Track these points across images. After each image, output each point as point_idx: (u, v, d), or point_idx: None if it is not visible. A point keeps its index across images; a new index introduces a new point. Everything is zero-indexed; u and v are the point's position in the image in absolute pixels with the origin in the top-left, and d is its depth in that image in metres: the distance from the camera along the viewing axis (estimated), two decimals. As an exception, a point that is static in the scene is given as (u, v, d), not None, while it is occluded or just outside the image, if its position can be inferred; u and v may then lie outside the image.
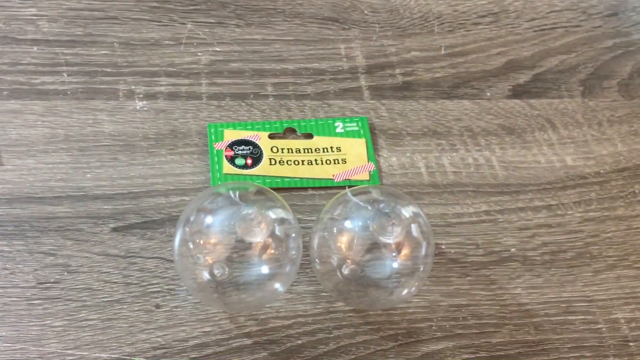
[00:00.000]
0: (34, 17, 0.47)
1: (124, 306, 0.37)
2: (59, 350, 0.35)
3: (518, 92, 0.49)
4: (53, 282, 0.37)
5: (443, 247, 0.41)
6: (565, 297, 0.40)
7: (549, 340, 0.38)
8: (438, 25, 0.52)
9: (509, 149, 0.46)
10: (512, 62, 0.50)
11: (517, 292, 0.40)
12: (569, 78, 0.50)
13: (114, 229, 0.39)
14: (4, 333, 0.35)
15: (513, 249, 0.41)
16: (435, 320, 0.38)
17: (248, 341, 0.37)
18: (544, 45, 0.52)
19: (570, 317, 0.39)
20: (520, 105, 0.48)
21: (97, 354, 0.35)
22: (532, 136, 0.47)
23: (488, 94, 0.48)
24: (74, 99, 0.44)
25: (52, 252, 0.38)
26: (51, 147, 0.42)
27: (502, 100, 0.48)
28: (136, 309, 0.37)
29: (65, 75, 0.45)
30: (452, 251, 0.41)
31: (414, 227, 0.35)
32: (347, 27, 0.51)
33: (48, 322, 0.36)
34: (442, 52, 0.50)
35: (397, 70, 0.49)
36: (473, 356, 0.37)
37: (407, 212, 0.35)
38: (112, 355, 0.35)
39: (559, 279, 0.41)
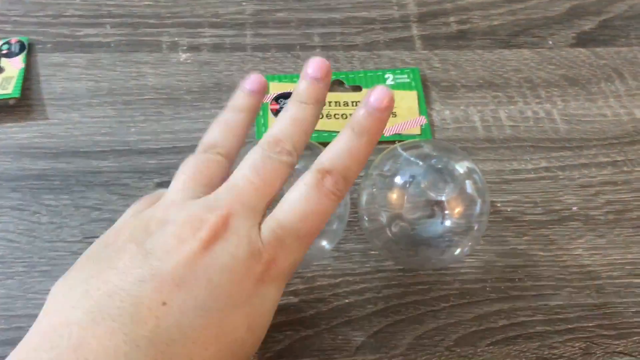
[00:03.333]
0: (77, -32, 0.46)
1: (169, 262, 0.36)
2: (106, 305, 0.35)
3: (583, 40, 0.46)
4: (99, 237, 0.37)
5: (499, 204, 0.39)
6: (631, 259, 0.37)
7: (612, 303, 0.36)
8: (496, -31, 0.48)
9: (571, 101, 0.43)
10: (576, 8, 0.47)
11: (578, 253, 0.38)
12: (639, 25, 0.46)
13: (159, 184, 0.39)
14: (51, 287, 0.35)
15: (574, 208, 0.39)
16: (489, 281, 0.37)
17: (294, 299, 0.36)
18: (612, -11, 0.48)
19: (635, 280, 0.37)
20: (585, 54, 0.45)
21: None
22: (597, 87, 0.44)
23: (550, 42, 0.45)
24: (117, 51, 0.43)
25: (97, 206, 0.38)
26: (95, 100, 0.41)
27: (565, 49, 0.45)
28: (181, 264, 0.36)
29: (108, 27, 0.44)
30: (509, 209, 0.39)
31: (468, 183, 0.33)
32: (398, -28, 0.48)
33: (94, 276, 0.36)
34: (501, -2, 0.47)
35: (452, 18, 0.46)
36: (529, 319, 0.36)
37: (460, 167, 0.34)
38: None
39: (624, 239, 0.38)
